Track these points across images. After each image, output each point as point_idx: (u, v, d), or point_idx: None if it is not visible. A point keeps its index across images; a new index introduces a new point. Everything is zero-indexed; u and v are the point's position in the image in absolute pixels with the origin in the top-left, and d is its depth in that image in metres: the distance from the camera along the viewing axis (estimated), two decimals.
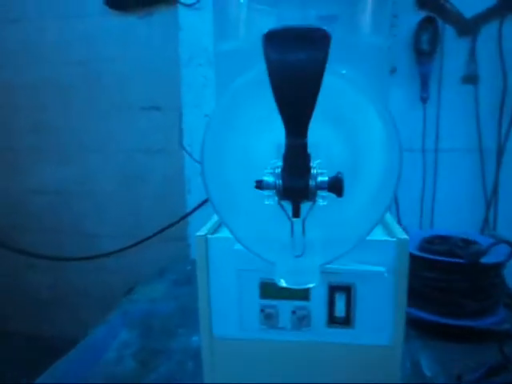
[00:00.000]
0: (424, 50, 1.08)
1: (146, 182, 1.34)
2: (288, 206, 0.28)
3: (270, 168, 0.27)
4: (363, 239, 0.32)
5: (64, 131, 1.37)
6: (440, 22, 1.07)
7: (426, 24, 1.08)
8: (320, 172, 0.27)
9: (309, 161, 0.26)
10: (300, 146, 0.25)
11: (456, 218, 1.11)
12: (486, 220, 1.09)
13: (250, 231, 0.32)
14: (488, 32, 1.06)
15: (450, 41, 1.08)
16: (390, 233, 0.35)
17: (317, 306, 0.36)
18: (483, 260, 0.61)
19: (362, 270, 0.33)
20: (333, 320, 0.36)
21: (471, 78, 1.08)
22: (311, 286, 0.30)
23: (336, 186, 0.26)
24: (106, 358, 0.59)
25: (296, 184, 0.26)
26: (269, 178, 0.27)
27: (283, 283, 0.29)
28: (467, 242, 0.67)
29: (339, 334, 0.36)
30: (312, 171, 0.26)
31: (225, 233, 0.37)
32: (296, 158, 0.26)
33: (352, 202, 0.30)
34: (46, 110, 1.36)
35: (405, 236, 0.33)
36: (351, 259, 0.34)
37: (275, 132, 0.28)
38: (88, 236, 1.39)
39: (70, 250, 1.39)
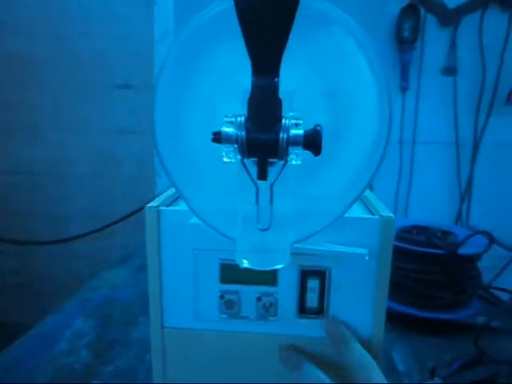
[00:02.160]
0: (405, 38, 1.07)
1: (119, 164, 1.28)
2: (252, 167, 0.23)
3: (231, 116, 0.21)
4: (342, 215, 0.27)
5: (36, 109, 1.28)
6: (423, 10, 1.07)
7: (409, 12, 1.07)
8: (294, 123, 0.21)
9: (280, 107, 0.21)
10: (269, 86, 0.20)
11: (431, 210, 1.12)
12: (459, 213, 1.10)
13: (208, 201, 0.27)
14: (469, 24, 1.06)
15: (432, 30, 1.08)
16: (371, 210, 0.31)
17: (286, 293, 0.31)
18: (460, 251, 0.60)
19: (339, 251, 0.28)
20: (304, 309, 0.31)
21: (451, 70, 1.08)
22: (279, 267, 0.25)
23: (313, 142, 0.21)
24: (57, 348, 0.54)
25: (263, 136, 0.21)
26: (229, 129, 0.21)
27: (245, 263, 0.24)
28: (445, 233, 0.66)
29: (311, 326, 0.31)
30: (284, 122, 0.21)
31: (181, 206, 0.31)
32: (264, 103, 0.20)
33: (331, 168, 0.25)
34: (17, 86, 1.27)
35: (389, 214, 0.29)
36: (327, 239, 0.29)
37: (243, 82, 0.22)
38: (57, 219, 1.34)
39: (38, 234, 1.32)
